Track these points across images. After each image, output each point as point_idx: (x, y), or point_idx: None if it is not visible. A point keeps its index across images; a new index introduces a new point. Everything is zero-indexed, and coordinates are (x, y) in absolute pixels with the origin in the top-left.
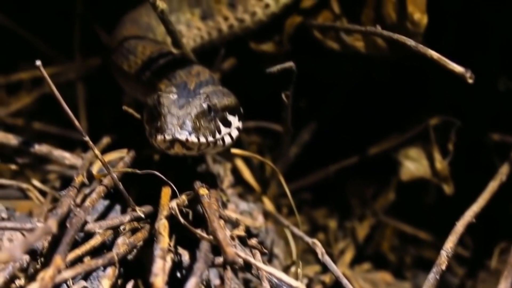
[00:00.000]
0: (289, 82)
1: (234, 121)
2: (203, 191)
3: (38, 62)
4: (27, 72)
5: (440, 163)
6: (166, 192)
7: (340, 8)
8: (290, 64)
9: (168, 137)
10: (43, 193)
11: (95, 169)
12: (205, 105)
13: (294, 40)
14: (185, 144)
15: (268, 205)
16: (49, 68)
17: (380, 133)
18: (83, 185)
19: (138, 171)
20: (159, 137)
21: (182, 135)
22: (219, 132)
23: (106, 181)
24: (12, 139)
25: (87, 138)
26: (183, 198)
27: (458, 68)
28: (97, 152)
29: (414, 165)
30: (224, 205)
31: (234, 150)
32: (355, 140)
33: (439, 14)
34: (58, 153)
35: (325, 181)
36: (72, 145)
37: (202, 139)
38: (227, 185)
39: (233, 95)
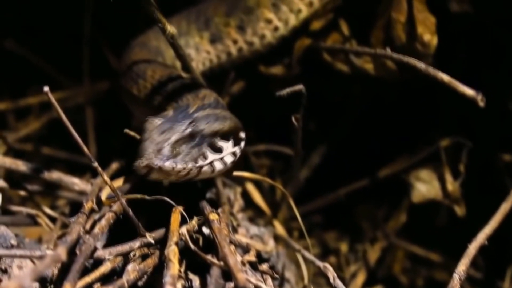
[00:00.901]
0: (299, 105)
1: (227, 146)
2: (213, 216)
3: (46, 88)
4: (35, 97)
5: (452, 185)
6: (175, 217)
7: (349, 30)
8: (300, 87)
9: (143, 163)
10: (52, 219)
11: (104, 195)
12: (187, 131)
13: (303, 62)
14: (161, 170)
15: (279, 228)
16: (57, 92)
17: (390, 155)
18: (92, 211)
19: (147, 197)
20: (136, 162)
21: (157, 161)
22: (205, 158)
23: (115, 207)
24: (21, 165)
25: (96, 164)
26: (193, 223)
27: (469, 92)
28: (106, 178)
29: (425, 187)
30: (235, 230)
31: (245, 174)
32: (366, 162)
33: (449, 34)
34: (67, 179)
35: (336, 203)
36: (81, 169)
37: (180, 166)
38: (238, 209)
39: (230, 120)
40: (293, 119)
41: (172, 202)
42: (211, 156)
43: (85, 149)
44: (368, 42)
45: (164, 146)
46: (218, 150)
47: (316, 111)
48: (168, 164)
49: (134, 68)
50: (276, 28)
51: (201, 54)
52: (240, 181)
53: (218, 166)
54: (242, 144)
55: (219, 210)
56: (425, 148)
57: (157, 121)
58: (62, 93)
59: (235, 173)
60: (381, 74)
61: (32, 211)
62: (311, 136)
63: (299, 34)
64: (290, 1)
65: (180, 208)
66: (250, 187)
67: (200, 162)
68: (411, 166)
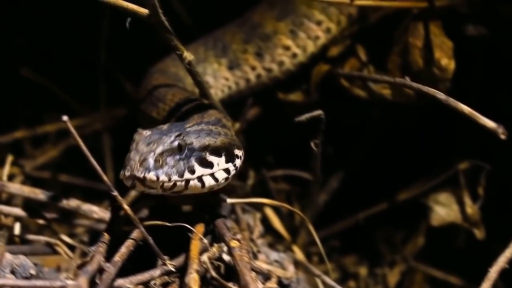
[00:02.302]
0: (316, 130)
1: (219, 162)
2: (234, 243)
3: (65, 117)
4: (52, 124)
5: (471, 208)
6: (195, 244)
7: (367, 55)
8: (319, 112)
9: (127, 174)
10: (71, 248)
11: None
12: (175, 144)
13: (321, 88)
14: (144, 181)
15: (298, 254)
16: (74, 120)
17: (408, 179)
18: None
19: (167, 224)
20: (121, 173)
21: (140, 173)
22: (192, 172)
23: (135, 234)
24: (39, 194)
25: (115, 193)
26: (214, 250)
27: (490, 123)
28: (126, 207)
29: (444, 210)
30: (255, 256)
31: (264, 200)
32: (384, 186)
33: (465, 57)
34: (86, 207)
35: (354, 227)
36: (99, 196)
37: (163, 178)
38: (257, 235)
39: (223, 136)
40: (312, 144)
41: (192, 228)
42: (200, 171)
43: (104, 177)
44: (385, 67)
45: (148, 157)
46: (209, 165)
47: (334, 136)
48: (150, 176)
49: (155, 92)
50: (294, 55)
51: (220, 81)
52: (259, 206)
53: (209, 181)
54: (237, 161)
55: (239, 237)
56: (443, 171)
57: (146, 133)
58: (79, 120)
59: (255, 200)
60: (398, 99)
61: (51, 240)
62: (329, 160)
63: (317, 60)
64: (307, 28)
65: (200, 235)
66: (269, 213)
67: (187, 176)
68: (430, 189)
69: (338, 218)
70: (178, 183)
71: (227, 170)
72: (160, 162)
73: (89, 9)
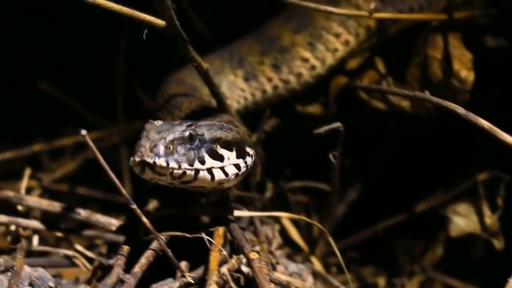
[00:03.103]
0: (336, 142)
1: (230, 156)
2: (253, 255)
3: (84, 132)
4: (70, 137)
5: (490, 218)
6: (215, 256)
7: (385, 67)
8: (337, 124)
9: (137, 159)
10: (89, 260)
11: (142, 230)
12: (186, 133)
13: (339, 100)
14: (154, 167)
15: (317, 265)
16: (92, 133)
17: (427, 189)
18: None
19: (187, 235)
20: (131, 159)
21: (150, 158)
22: (202, 162)
23: (154, 245)
24: (57, 207)
25: (134, 206)
26: (233, 262)
27: (510, 139)
28: (145, 220)
29: (463, 221)
30: (274, 267)
31: (283, 214)
32: (402, 196)
33: (484, 68)
34: (104, 219)
35: (373, 238)
36: (117, 208)
37: (173, 164)
38: (276, 247)
39: (235, 132)
40: (330, 156)
41: (212, 240)
42: (210, 162)
43: (123, 190)
44: (404, 79)
45: (159, 144)
46: (219, 157)
47: (352, 147)
48: (160, 161)
49: (171, 101)
50: (313, 67)
51: (235, 91)
52: (277, 218)
53: (218, 175)
54: (248, 159)
55: (258, 248)
56: (462, 182)
57: (157, 122)
58: (97, 133)
59: (274, 214)
60: (418, 111)
61: (69, 252)
62: (347, 172)
63: (335, 73)
64: (326, 40)
65: (219, 246)
66: (287, 224)
67: (197, 166)
68: (449, 200)
69: (356, 229)
70: (188, 172)
71: (237, 166)
72: (171, 149)
73: (107, 23)
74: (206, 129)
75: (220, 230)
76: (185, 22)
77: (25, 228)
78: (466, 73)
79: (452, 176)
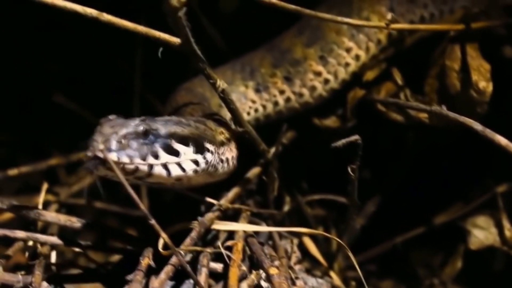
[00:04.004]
0: (354, 156)
1: (186, 151)
2: (273, 270)
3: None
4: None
5: (509, 231)
6: (234, 271)
7: (403, 79)
8: (355, 137)
9: (88, 154)
10: (108, 275)
11: (160, 245)
12: (139, 127)
13: (356, 112)
14: (105, 162)
15: (336, 279)
16: None
17: (446, 202)
18: (149, 267)
19: (206, 250)
20: (83, 155)
21: (101, 153)
22: (156, 157)
23: (173, 260)
24: (75, 222)
25: (153, 221)
26: (253, 278)
27: None
28: (163, 235)
29: (482, 233)
30: (293, 282)
31: (301, 229)
32: (421, 209)
33: (502, 79)
34: (122, 234)
35: (391, 251)
36: (135, 222)
37: (125, 159)
38: (295, 261)
39: (193, 128)
40: (349, 169)
41: (230, 254)
42: (165, 157)
43: (141, 204)
44: (422, 91)
45: (111, 138)
46: (174, 152)
47: (369, 159)
48: (111, 156)
49: (178, 108)
50: (326, 81)
51: (246, 103)
52: (296, 232)
53: (175, 170)
54: (208, 155)
55: (278, 263)
56: (481, 194)
57: (112, 117)
58: None
59: (292, 229)
60: (435, 123)
61: (87, 267)
62: (365, 184)
63: (352, 85)
64: (337, 54)
65: (238, 261)
66: (306, 239)
67: (150, 160)
68: (468, 212)
69: (374, 242)
70: (141, 167)
71: (195, 161)
72: (123, 144)
73: (123, 35)
74: (161, 124)
75: (239, 245)
76: (199, 31)
77: (42, 244)
78: (485, 84)
79: (471, 188)
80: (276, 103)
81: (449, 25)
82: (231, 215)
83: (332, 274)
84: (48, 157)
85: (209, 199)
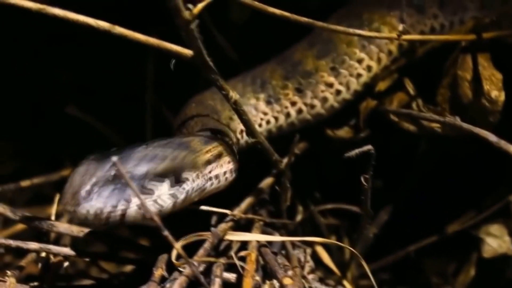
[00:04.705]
0: (368, 166)
1: (162, 187)
2: (287, 280)
3: (115, 158)
4: None
5: None
6: (248, 282)
7: (415, 89)
8: (368, 147)
9: (60, 208)
10: (119, 285)
11: (174, 256)
12: (109, 173)
13: (369, 122)
14: (76, 215)
15: None
16: None
17: (459, 210)
18: (162, 278)
19: (221, 261)
20: (58, 208)
21: (71, 206)
22: (129, 202)
23: (187, 270)
24: (88, 233)
25: (166, 232)
26: None
27: None
28: (177, 246)
29: (496, 242)
30: None
31: (315, 239)
32: (434, 217)
33: None
34: (134, 245)
35: (404, 259)
36: (148, 232)
37: (94, 211)
38: (308, 271)
39: (168, 160)
40: (362, 179)
41: (243, 264)
42: (140, 198)
43: (156, 218)
44: (434, 100)
45: (80, 190)
46: (149, 192)
47: (381, 168)
48: (80, 209)
49: (185, 121)
50: (338, 92)
51: (257, 115)
52: (309, 242)
53: (152, 208)
54: (187, 184)
55: (291, 273)
56: (494, 202)
57: (84, 161)
58: None
59: (306, 238)
60: (448, 133)
61: (99, 276)
62: (377, 193)
63: (364, 96)
64: (349, 65)
65: (252, 272)
66: (319, 248)
67: (122, 206)
68: (481, 221)
69: (387, 251)
70: (113, 214)
71: (173, 195)
72: (93, 194)
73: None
74: (134, 164)
75: (253, 255)
76: (210, 42)
77: (55, 254)
78: (497, 93)
79: (484, 197)
80: (288, 115)
81: (461, 36)
82: (243, 225)
83: (345, 283)
84: (60, 168)
85: (222, 210)
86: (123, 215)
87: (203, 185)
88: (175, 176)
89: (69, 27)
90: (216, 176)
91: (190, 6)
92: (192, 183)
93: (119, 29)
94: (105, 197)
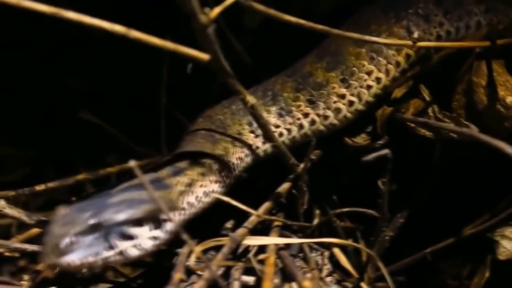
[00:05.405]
0: (385, 170)
1: (143, 232)
2: (306, 283)
3: (133, 162)
4: (115, 166)
5: None
6: (267, 285)
7: (430, 95)
8: (386, 151)
9: (41, 260)
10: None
11: (192, 260)
12: (89, 223)
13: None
14: (60, 266)
15: None
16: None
17: (474, 213)
18: (181, 281)
19: (240, 264)
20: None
21: (52, 259)
22: (110, 249)
23: (206, 274)
24: None
25: (185, 236)
26: None
27: None
28: (197, 249)
29: (511, 244)
30: None
31: (332, 240)
32: (447, 219)
33: None
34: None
35: (420, 262)
36: None
37: (76, 262)
38: (326, 274)
39: (146, 204)
40: (379, 183)
41: (262, 268)
42: (120, 245)
43: (174, 219)
44: (449, 107)
45: (60, 241)
46: (129, 237)
47: (396, 171)
48: (62, 262)
49: (185, 138)
50: (351, 103)
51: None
52: (327, 244)
53: (133, 252)
54: (167, 225)
55: (309, 276)
56: (509, 205)
57: (63, 211)
58: (140, 162)
59: (323, 240)
60: (464, 138)
61: (116, 280)
62: (393, 196)
63: (379, 103)
64: (358, 77)
65: (271, 275)
66: (336, 251)
67: (105, 254)
68: (496, 224)
69: (403, 254)
70: (95, 263)
71: (154, 238)
72: (73, 245)
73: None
74: (112, 212)
75: (271, 258)
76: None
77: None
78: (511, 99)
79: (499, 200)
80: (301, 126)
81: (475, 42)
82: (259, 230)
83: (363, 285)
84: (74, 173)
85: (246, 208)
86: (106, 261)
87: (181, 219)
88: (154, 218)
89: (82, 31)
90: (191, 204)
91: (207, 10)
92: (170, 224)
93: (134, 33)
94: (88, 246)
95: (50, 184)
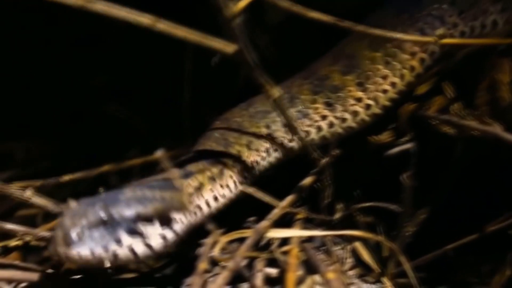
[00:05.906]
0: (409, 164)
1: (152, 229)
2: (330, 275)
3: (160, 152)
4: (138, 158)
5: None
6: (291, 277)
7: (454, 92)
8: (409, 145)
9: (51, 250)
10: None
11: (217, 250)
12: (98, 216)
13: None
14: (67, 258)
15: (389, 285)
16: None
17: (495, 210)
18: (206, 271)
19: (262, 255)
20: (49, 250)
21: (62, 249)
22: (119, 243)
23: (231, 265)
24: None
25: (211, 226)
26: (309, 283)
27: None
28: (222, 240)
29: None
30: None
31: (354, 232)
32: (471, 216)
33: None
34: None
35: (441, 258)
36: None
37: (86, 253)
38: (348, 267)
39: (157, 202)
40: (403, 178)
41: (286, 260)
42: (129, 240)
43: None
44: (472, 103)
45: (70, 232)
46: (139, 233)
47: (418, 168)
48: (71, 252)
49: (206, 141)
50: (368, 106)
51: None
52: (349, 239)
53: (142, 250)
54: (177, 226)
55: (332, 268)
56: None
57: (73, 205)
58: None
59: (345, 232)
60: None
61: (142, 271)
62: (416, 192)
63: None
64: (374, 81)
65: (295, 266)
66: (358, 245)
67: (113, 248)
68: None
69: (425, 250)
70: (104, 256)
71: (162, 237)
72: (83, 237)
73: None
74: (122, 207)
75: (295, 249)
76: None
77: None
78: None
79: None
80: (319, 128)
81: (498, 40)
82: (280, 223)
83: (385, 280)
84: (99, 165)
85: (271, 200)
86: (115, 256)
87: (190, 221)
88: (164, 217)
89: (107, 26)
90: (200, 207)
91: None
92: (181, 223)
93: (161, 25)
94: (97, 239)
95: (76, 175)
